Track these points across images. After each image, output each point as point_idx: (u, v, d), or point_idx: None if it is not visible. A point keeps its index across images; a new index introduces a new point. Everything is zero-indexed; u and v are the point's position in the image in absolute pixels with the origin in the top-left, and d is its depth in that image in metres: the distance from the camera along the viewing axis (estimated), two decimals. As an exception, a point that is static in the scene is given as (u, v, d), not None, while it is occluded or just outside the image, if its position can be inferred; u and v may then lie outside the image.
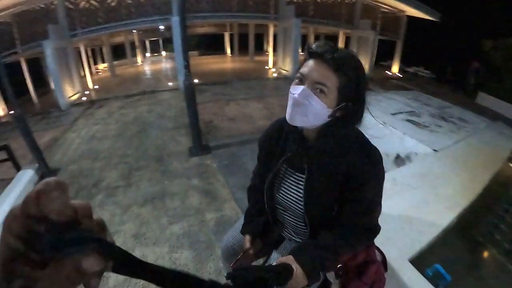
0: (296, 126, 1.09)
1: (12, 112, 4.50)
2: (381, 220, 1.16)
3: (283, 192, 1.22)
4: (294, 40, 11.03)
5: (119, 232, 3.19)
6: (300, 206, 1.17)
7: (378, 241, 1.26)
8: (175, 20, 9.22)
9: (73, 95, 10.42)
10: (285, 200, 1.22)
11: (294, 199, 1.18)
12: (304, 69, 0.99)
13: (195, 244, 2.87)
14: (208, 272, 2.51)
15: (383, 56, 15.53)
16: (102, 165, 4.91)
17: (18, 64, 11.63)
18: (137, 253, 2.85)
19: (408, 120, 3.70)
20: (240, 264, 1.35)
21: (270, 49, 14.77)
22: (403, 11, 13.82)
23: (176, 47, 9.55)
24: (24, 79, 12.03)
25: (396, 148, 3.30)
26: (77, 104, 10.03)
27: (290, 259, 1.01)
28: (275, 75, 12.78)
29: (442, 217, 1.97)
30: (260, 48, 20.65)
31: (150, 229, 3.17)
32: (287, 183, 1.21)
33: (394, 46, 14.60)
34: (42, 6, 10.23)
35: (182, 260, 2.70)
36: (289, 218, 1.29)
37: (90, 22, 10.65)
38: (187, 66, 4.45)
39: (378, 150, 1.08)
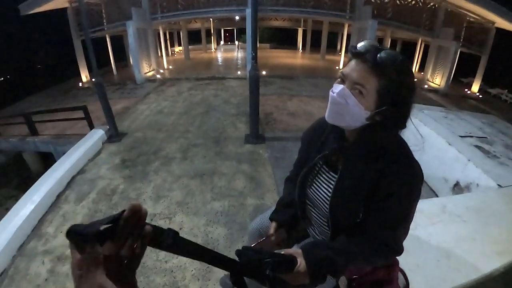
0: (337, 126, 1.06)
1: (93, 79, 5.02)
2: (416, 245, 1.06)
3: (314, 188, 1.21)
4: None
5: (166, 197, 3.46)
6: (326, 206, 1.14)
7: (406, 265, 1.18)
8: (248, 12, 9.41)
9: (148, 72, 11.28)
10: (314, 197, 1.21)
11: (323, 197, 1.16)
12: (346, 69, 0.96)
13: (230, 223, 2.99)
14: (235, 251, 2.60)
15: (464, 71, 13.93)
16: (164, 136, 5.30)
17: (103, 40, 12.91)
18: (177, 219, 3.08)
19: (477, 146, 3.34)
20: (260, 247, 1.40)
21: (343, 49, 14.28)
22: (492, 22, 11.98)
23: (248, 38, 9.78)
24: (107, 53, 13.31)
25: (457, 174, 3.06)
26: (151, 80, 10.87)
27: (298, 253, 0.98)
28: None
29: (487, 261, 1.73)
30: (333, 47, 20.22)
31: (194, 200, 3.38)
32: (319, 180, 1.19)
33: (478, 62, 12.65)
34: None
35: (214, 234, 2.84)
36: (315, 215, 1.27)
37: (170, 7, 11.40)
38: (254, 57, 4.57)
39: (418, 165, 1.00)
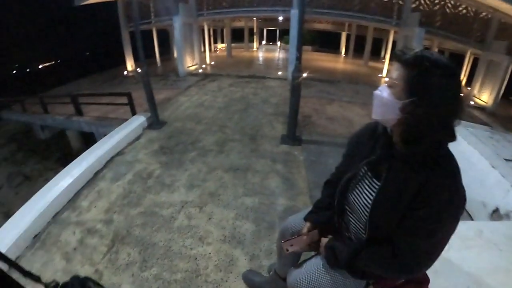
0: (386, 130, 1.11)
1: (139, 69, 5.18)
2: (446, 269, 1.04)
3: (356, 194, 1.20)
4: None
5: (199, 186, 3.46)
6: (366, 213, 1.14)
7: (435, 286, 1.17)
8: (293, 12, 9.30)
9: (191, 66, 11.52)
10: (355, 202, 1.20)
11: (363, 204, 1.15)
12: (388, 71, 1.04)
13: (258, 220, 2.93)
14: (259, 248, 2.55)
15: None
16: (202, 129, 5.34)
17: (149, 32, 13.40)
18: (207, 209, 3.07)
19: None
20: (291, 244, 1.37)
21: (387, 57, 13.65)
22: None
23: (292, 39, 9.71)
24: (153, 45, 13.79)
25: (497, 200, 2.84)
26: (193, 74, 11.07)
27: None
28: (387, 84, 11.77)
29: None
30: (377, 54, 19.62)
31: (226, 193, 3.35)
32: (361, 186, 1.18)
33: None
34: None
35: (242, 229, 2.79)
36: (353, 221, 1.25)
37: (216, 5, 11.60)
38: (298, 58, 4.49)
39: (463, 188, 0.99)
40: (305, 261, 1.43)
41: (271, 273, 1.84)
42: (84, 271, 2.32)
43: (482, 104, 10.88)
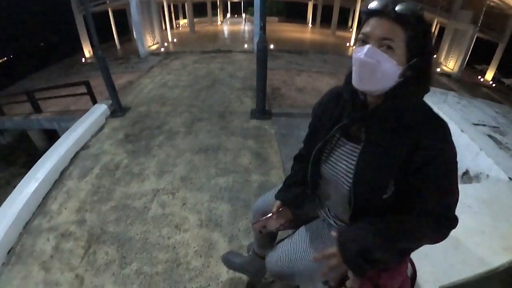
0: (357, 94, 0.99)
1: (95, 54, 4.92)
2: None
3: (332, 163, 1.11)
4: None
5: (169, 172, 3.42)
6: (347, 181, 1.04)
7: (415, 253, 1.13)
8: (256, -18, 9.03)
9: (152, 45, 11.11)
10: (332, 173, 1.10)
11: (343, 172, 1.06)
12: (366, 29, 0.90)
13: (234, 200, 2.94)
14: (238, 228, 2.57)
15: (479, 58, 13.41)
16: (168, 110, 5.22)
17: (106, 13, 12.72)
18: (180, 194, 3.04)
19: (490, 136, 3.18)
20: (263, 225, 1.35)
21: (354, 26, 13.81)
22: None
23: (256, 10, 9.44)
24: (110, 27, 13.14)
25: (467, 163, 2.92)
26: (155, 54, 10.67)
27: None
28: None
29: (494, 255, 1.68)
30: (344, 23, 19.58)
31: (198, 176, 3.32)
32: (337, 153, 1.09)
33: (494, 49, 11.99)
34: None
35: (218, 210, 2.80)
36: (331, 194, 1.18)
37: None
38: (263, 28, 4.32)
39: (447, 124, 0.93)
40: (282, 240, 1.42)
41: (250, 253, 1.84)
42: (65, 278, 2.27)
43: (448, 71, 11.42)
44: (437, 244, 1.02)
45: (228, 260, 2.09)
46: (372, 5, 0.89)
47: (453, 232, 1.00)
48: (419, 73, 0.91)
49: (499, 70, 12.66)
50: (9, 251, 2.59)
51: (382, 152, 0.95)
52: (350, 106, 1.03)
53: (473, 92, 9.45)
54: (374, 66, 0.87)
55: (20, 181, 3.30)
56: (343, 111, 1.08)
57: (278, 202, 1.34)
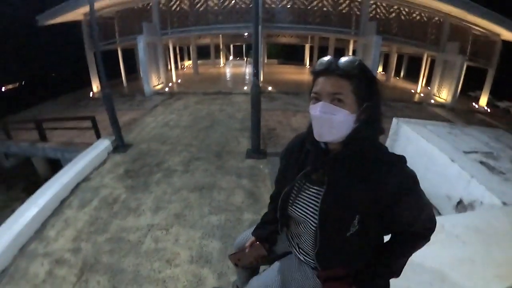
0: (318, 143, 1.11)
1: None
2: (407, 268, 1.12)
3: (298, 206, 1.19)
4: (373, 57, 10.35)
5: (164, 208, 3.57)
6: (313, 221, 1.13)
7: (396, 285, 1.19)
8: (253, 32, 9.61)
9: (157, 85, 11.58)
10: (299, 214, 1.19)
11: (310, 213, 1.15)
12: (317, 87, 1.02)
13: (225, 238, 3.05)
14: (227, 265, 2.65)
15: (471, 85, 13.82)
16: (168, 149, 5.43)
17: (115, 52, 13.35)
18: (174, 230, 3.17)
19: (482, 162, 3.21)
20: (238, 258, 1.47)
21: None
22: (497, 35, 12.04)
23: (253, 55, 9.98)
24: (119, 65, 13.70)
25: (460, 192, 2.96)
26: (159, 93, 11.10)
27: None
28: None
29: (486, 285, 1.62)
30: None
31: (192, 213, 3.47)
32: (303, 197, 1.18)
33: (485, 75, 12.60)
34: (140, 6, 11.87)
35: (209, 248, 2.91)
36: (300, 233, 1.27)
37: (180, 23, 11.78)
38: (255, 74, 4.71)
39: (403, 157, 1.06)
40: (259, 274, 1.47)
41: None
42: (54, 302, 2.37)
43: (442, 102, 11.62)
44: (422, 279, 1.16)
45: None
46: (319, 66, 1.02)
47: (438, 264, 1.12)
48: (371, 117, 1.04)
49: (492, 94, 13.01)
50: (2, 271, 2.69)
51: (344, 194, 1.04)
52: (312, 154, 1.15)
53: (468, 120, 9.59)
54: (330, 119, 0.99)
55: (18, 205, 3.46)
56: (306, 157, 1.19)
57: (252, 238, 1.45)
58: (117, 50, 13.49)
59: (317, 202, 1.12)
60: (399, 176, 1.01)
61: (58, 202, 3.72)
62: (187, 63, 21.51)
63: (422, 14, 11.82)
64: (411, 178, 1.02)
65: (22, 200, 3.53)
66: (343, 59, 0.99)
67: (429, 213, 1.09)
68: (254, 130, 4.99)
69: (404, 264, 1.17)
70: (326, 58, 1.02)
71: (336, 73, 0.98)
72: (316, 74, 1.05)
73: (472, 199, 2.80)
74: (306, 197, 1.17)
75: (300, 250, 1.30)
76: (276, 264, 1.40)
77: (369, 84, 1.01)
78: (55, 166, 6.93)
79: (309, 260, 1.26)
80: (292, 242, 1.35)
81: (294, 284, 1.27)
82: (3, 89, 29.61)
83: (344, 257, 1.16)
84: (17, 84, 30.47)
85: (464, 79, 11.49)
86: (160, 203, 3.68)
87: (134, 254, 2.84)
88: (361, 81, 0.99)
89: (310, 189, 1.16)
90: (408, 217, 1.05)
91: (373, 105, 1.03)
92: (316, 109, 1.01)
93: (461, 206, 2.93)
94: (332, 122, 0.99)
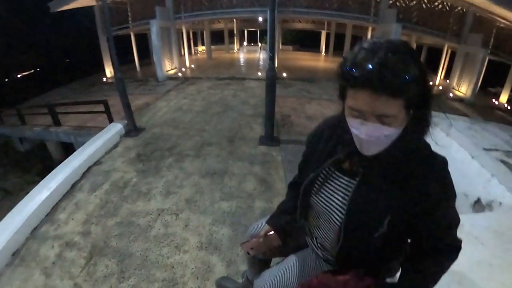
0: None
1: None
2: None
3: (324, 196, 1.08)
4: None
5: (175, 193, 3.51)
6: (339, 215, 1.01)
7: None
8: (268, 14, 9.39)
9: (170, 70, 11.52)
10: (323, 205, 1.08)
11: (335, 207, 1.03)
12: (356, 103, 0.79)
13: (235, 225, 2.98)
14: (236, 253, 2.60)
15: (492, 80, 13.18)
16: (180, 134, 5.38)
17: (128, 37, 13.32)
18: (184, 216, 3.11)
19: (503, 161, 3.00)
20: (250, 247, 1.35)
21: None
22: None
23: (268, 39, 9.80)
24: (132, 50, 13.68)
25: (478, 190, 2.78)
26: (172, 78, 11.08)
27: None
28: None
29: None
30: None
31: (203, 199, 3.41)
32: (330, 186, 1.06)
33: (507, 71, 11.57)
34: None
35: (219, 234, 2.85)
36: (320, 226, 1.15)
37: (194, 7, 11.60)
38: (271, 58, 4.55)
39: (445, 160, 0.92)
40: (271, 267, 1.37)
41: (243, 279, 1.86)
42: (63, 285, 2.34)
43: (461, 96, 11.17)
44: (440, 280, 1.05)
45: (221, 285, 2.11)
46: (359, 75, 0.75)
47: (456, 266, 1.02)
48: (420, 122, 0.86)
49: (514, 91, 12.26)
50: (14, 253, 2.70)
51: (379, 190, 0.92)
52: (346, 138, 0.96)
53: (487, 116, 9.13)
54: (379, 140, 0.82)
55: (33, 188, 3.45)
56: (337, 144, 1.05)
57: (267, 227, 1.34)
58: (130, 35, 13.45)
59: (345, 194, 1.00)
60: (441, 181, 0.89)
61: (69, 186, 3.71)
62: (201, 48, 21.43)
63: (444, 3, 11.25)
64: (452, 185, 0.91)
65: (36, 183, 3.53)
66: (393, 66, 0.71)
67: (456, 229, 0.99)
68: (268, 115, 4.85)
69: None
70: (367, 61, 0.74)
71: (386, 92, 0.73)
72: (352, 83, 0.79)
73: (490, 198, 2.65)
74: (333, 187, 1.06)
75: (319, 244, 1.21)
76: (292, 257, 1.31)
77: (424, 89, 0.79)
78: (68, 150, 6.98)
79: (327, 256, 1.18)
80: (310, 235, 1.26)
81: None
82: (18, 76, 30.25)
83: (366, 258, 1.05)
84: (32, 70, 31.03)
85: (485, 73, 10.94)
86: (171, 187, 3.63)
87: (143, 238, 2.80)
88: (415, 94, 0.77)
89: (340, 179, 1.04)
90: (440, 229, 0.94)
91: (426, 112, 0.85)
92: (360, 130, 0.82)
93: (478, 205, 2.77)
94: (381, 141, 0.83)
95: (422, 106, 0.82)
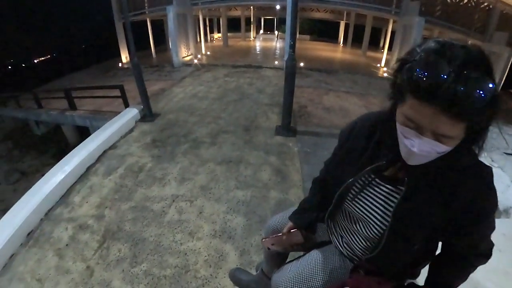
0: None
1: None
2: None
3: (361, 203, 1.02)
4: (414, 40, 9.36)
5: (190, 179, 3.46)
6: (379, 226, 0.97)
7: None
8: (289, 0, 9.20)
9: (186, 56, 11.46)
10: (361, 213, 1.03)
11: (375, 216, 0.98)
12: (415, 115, 0.71)
13: (250, 214, 2.92)
14: (250, 243, 2.55)
15: None
16: (196, 120, 5.32)
17: (144, 23, 13.34)
18: (198, 203, 3.06)
19: None
20: (272, 243, 1.33)
21: (386, 47, 13.42)
22: None
23: (288, 27, 9.58)
24: (148, 36, 13.70)
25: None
26: (188, 64, 11.02)
27: None
28: (385, 75, 10.78)
29: None
30: (375, 44, 19.43)
31: (218, 186, 3.34)
32: (369, 194, 1.01)
33: None
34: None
35: (233, 223, 2.79)
36: (353, 231, 1.11)
37: (211, -7, 11.41)
38: (292, 46, 4.40)
39: (491, 170, 0.86)
40: (290, 262, 1.32)
41: (258, 272, 1.81)
42: (76, 267, 2.33)
43: None
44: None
45: (234, 276, 2.07)
46: (423, 82, 0.65)
47: (474, 273, 1.01)
48: (476, 137, 0.77)
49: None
50: (28, 234, 2.71)
51: (426, 202, 0.85)
52: (388, 143, 0.91)
53: (508, 119, 8.92)
54: (430, 154, 0.74)
55: (48, 170, 3.46)
56: (378, 147, 0.98)
57: (290, 224, 1.30)
58: (145, 21, 13.42)
59: (387, 203, 0.95)
60: (490, 194, 0.84)
61: (84, 169, 3.70)
62: (217, 35, 21.31)
63: (471, -2, 10.70)
64: (496, 195, 0.85)
65: (52, 166, 3.53)
66: (471, 87, 0.61)
67: (491, 238, 0.97)
68: (286, 105, 4.72)
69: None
70: (440, 71, 0.63)
71: (456, 116, 0.64)
72: (417, 94, 0.68)
73: (509, 205, 2.60)
74: (373, 194, 1.00)
75: (344, 244, 1.17)
76: (314, 253, 1.26)
77: (495, 113, 0.68)
78: (84, 134, 7.05)
79: (352, 256, 1.15)
80: (335, 234, 1.22)
81: (335, 275, 1.16)
82: (35, 61, 30.79)
83: (396, 265, 1.02)
84: (49, 56, 31.54)
85: (508, 74, 10.46)
86: (186, 174, 3.58)
87: (156, 224, 2.76)
88: (482, 119, 0.68)
89: (380, 186, 0.98)
90: (479, 236, 0.93)
91: (486, 130, 0.75)
92: (411, 143, 0.75)
93: (496, 211, 2.65)
94: (431, 156, 0.75)
95: (486, 126, 0.73)
